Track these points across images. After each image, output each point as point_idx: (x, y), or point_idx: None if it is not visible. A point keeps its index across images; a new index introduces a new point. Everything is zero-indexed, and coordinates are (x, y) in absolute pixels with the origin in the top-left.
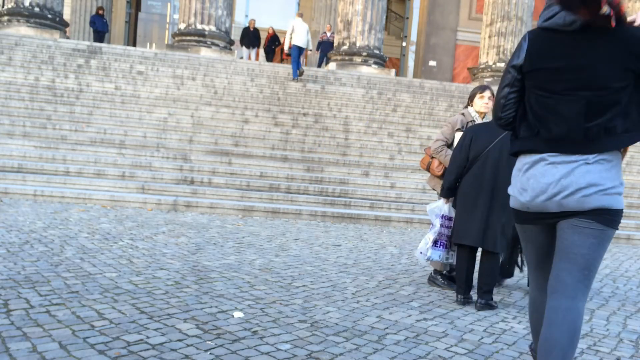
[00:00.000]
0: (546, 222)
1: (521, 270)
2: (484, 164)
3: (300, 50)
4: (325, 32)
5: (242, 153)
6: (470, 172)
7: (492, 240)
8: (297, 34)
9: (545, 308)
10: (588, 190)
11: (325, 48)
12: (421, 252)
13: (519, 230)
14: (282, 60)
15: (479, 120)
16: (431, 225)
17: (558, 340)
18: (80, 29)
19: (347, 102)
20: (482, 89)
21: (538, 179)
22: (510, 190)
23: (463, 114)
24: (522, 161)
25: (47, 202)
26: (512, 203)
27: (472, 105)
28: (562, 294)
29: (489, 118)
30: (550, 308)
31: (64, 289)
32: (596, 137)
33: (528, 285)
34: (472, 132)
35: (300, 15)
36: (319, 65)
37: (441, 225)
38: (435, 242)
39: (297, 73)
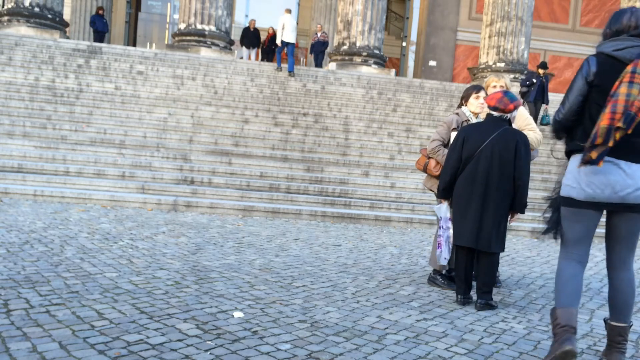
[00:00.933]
0: (602, 209)
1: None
2: (476, 164)
3: (289, 46)
4: (316, 34)
5: (242, 153)
6: (464, 173)
7: (486, 241)
8: (287, 30)
9: (572, 276)
10: None
11: (317, 48)
12: (445, 258)
13: (570, 213)
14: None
15: (473, 120)
16: (438, 228)
17: (628, 298)
18: (80, 29)
19: (347, 102)
20: (478, 89)
21: (607, 176)
22: (568, 182)
23: (457, 113)
24: (578, 159)
25: (47, 202)
26: (572, 193)
27: (466, 105)
28: (623, 269)
29: (482, 117)
30: (618, 280)
31: (64, 289)
32: (637, 149)
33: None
34: (465, 132)
35: (289, 11)
36: (316, 66)
37: (447, 228)
38: (448, 245)
39: (293, 68)
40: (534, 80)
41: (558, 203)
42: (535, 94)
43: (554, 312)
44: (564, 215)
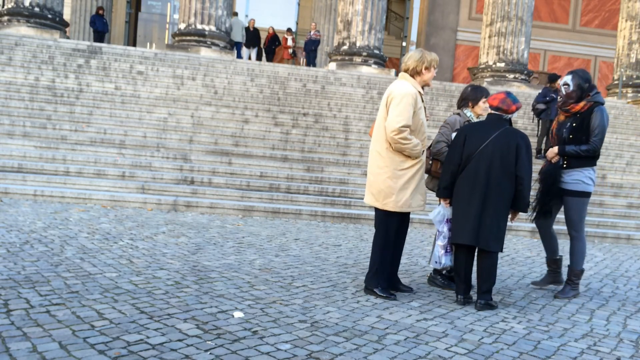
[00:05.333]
0: None
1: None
2: (477, 164)
3: (239, 44)
4: (310, 32)
5: (242, 153)
6: (464, 172)
7: (485, 239)
8: (234, 31)
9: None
10: None
11: (308, 46)
12: (436, 262)
13: (587, 201)
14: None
15: (474, 121)
16: (437, 232)
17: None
18: (80, 29)
19: (347, 102)
20: (487, 93)
21: None
22: (589, 182)
23: (459, 114)
24: (591, 171)
25: (47, 202)
26: (591, 189)
27: (472, 108)
28: None
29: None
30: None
31: (64, 289)
32: None
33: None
34: (466, 131)
35: (236, 14)
36: (307, 64)
37: (449, 230)
38: (445, 249)
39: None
40: (553, 96)
41: (552, 193)
42: (556, 111)
43: (580, 271)
44: (584, 202)
